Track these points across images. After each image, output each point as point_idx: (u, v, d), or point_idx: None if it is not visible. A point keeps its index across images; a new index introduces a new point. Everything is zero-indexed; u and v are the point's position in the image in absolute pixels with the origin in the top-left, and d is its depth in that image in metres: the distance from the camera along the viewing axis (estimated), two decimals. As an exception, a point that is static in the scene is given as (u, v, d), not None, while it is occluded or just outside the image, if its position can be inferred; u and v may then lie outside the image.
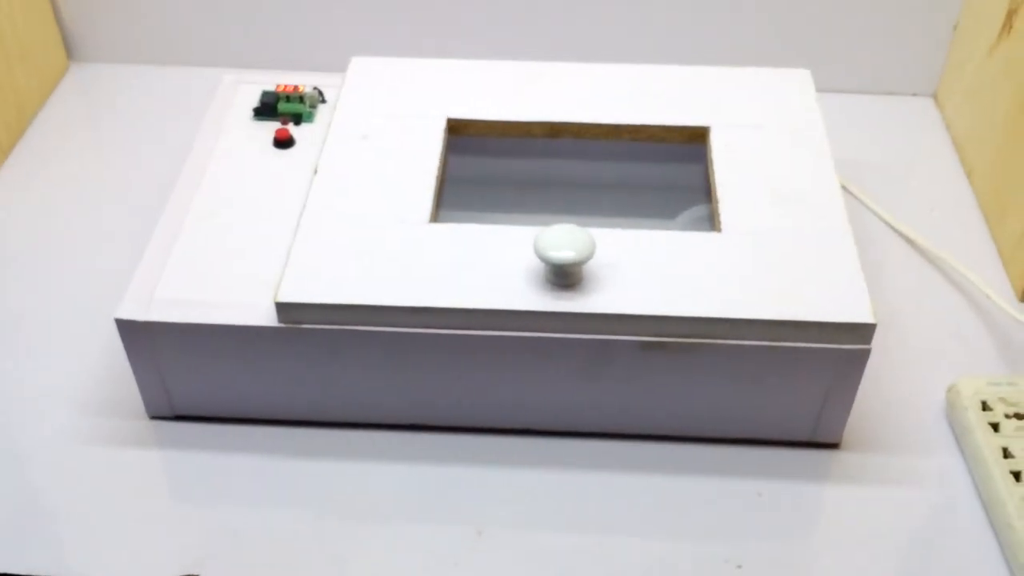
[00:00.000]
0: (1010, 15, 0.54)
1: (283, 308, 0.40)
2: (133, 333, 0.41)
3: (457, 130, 0.50)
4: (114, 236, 0.54)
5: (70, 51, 0.67)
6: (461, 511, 0.41)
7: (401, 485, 0.42)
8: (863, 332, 0.39)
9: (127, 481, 0.42)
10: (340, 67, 0.64)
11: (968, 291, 0.51)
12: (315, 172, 0.47)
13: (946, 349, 0.48)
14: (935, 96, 0.65)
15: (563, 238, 0.40)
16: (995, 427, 0.42)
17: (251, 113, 0.52)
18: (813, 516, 0.41)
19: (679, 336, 0.40)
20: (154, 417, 0.45)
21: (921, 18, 0.62)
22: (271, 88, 0.53)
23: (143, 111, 0.63)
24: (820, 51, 0.64)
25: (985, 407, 0.42)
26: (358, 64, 0.53)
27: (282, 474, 0.43)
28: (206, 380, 0.43)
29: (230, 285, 0.42)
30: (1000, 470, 0.40)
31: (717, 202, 0.45)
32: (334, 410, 0.44)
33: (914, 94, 0.66)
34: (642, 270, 0.41)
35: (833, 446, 0.43)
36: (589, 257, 0.39)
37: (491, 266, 0.41)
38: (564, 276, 0.40)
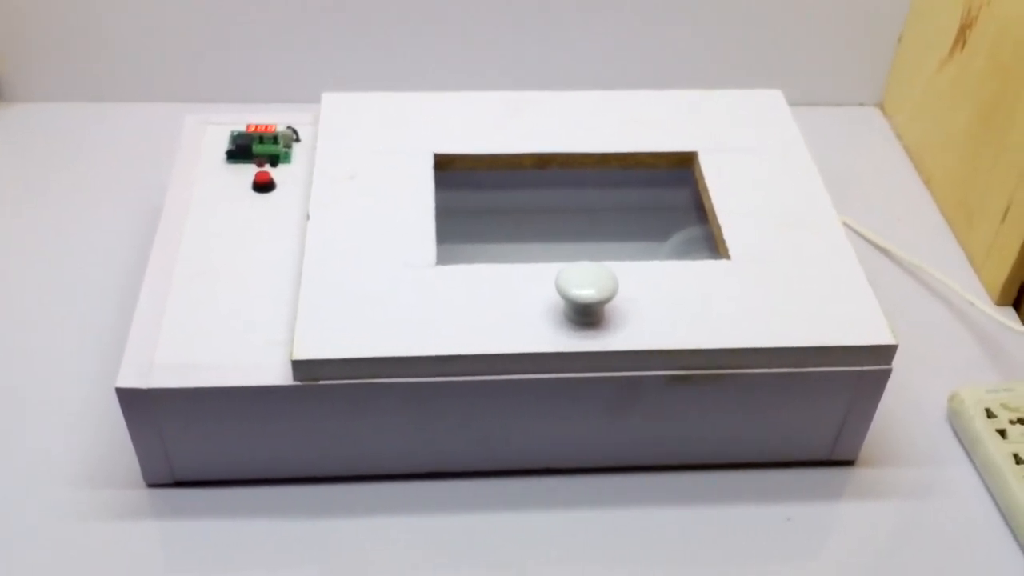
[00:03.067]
0: (963, 29, 0.57)
1: (299, 365, 0.38)
2: (134, 401, 0.39)
3: (444, 165, 0.49)
4: (80, 293, 0.51)
5: (-3, 91, 0.63)
6: (498, 556, 0.40)
7: (430, 536, 0.41)
8: (885, 353, 0.40)
9: (128, 554, 0.40)
10: (292, 97, 0.63)
11: (947, 297, 0.53)
12: (308, 218, 0.45)
13: (936, 356, 0.49)
14: (881, 106, 0.67)
15: (585, 276, 0.39)
16: (1002, 434, 0.43)
17: (223, 156, 0.50)
18: (842, 534, 0.42)
19: (706, 368, 0.40)
20: (152, 485, 0.42)
21: (864, 29, 0.64)
22: (239, 128, 0.51)
23: (82, 152, 0.59)
24: (765, 64, 0.65)
25: (989, 414, 0.44)
26: (330, 100, 0.52)
27: (296, 535, 0.41)
28: (210, 444, 0.41)
29: (232, 344, 0.40)
30: (1015, 477, 0.41)
31: (720, 228, 0.45)
32: (350, 464, 0.42)
33: (860, 104, 0.68)
34: (661, 303, 0.41)
35: (849, 463, 0.44)
36: (612, 295, 0.39)
37: (509, 308, 0.41)
38: (587, 314, 0.40)
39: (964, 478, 0.44)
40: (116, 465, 0.43)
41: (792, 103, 0.53)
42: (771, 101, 0.53)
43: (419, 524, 0.41)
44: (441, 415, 0.40)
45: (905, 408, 0.47)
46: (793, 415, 0.42)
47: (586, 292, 0.39)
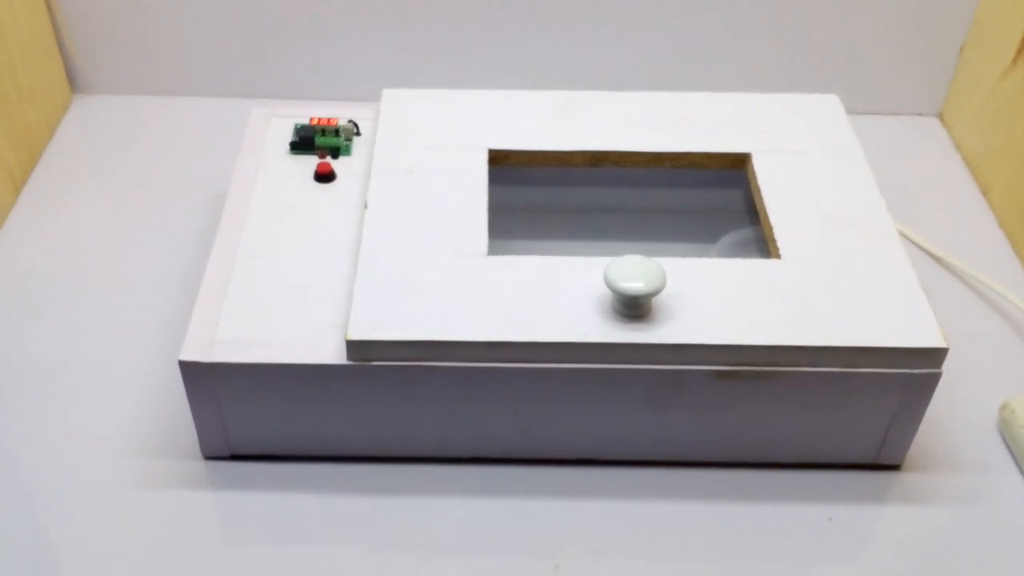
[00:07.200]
0: (1026, 39, 0.56)
1: (353, 346, 0.40)
2: (196, 375, 0.41)
3: (498, 160, 0.50)
4: (147, 274, 0.53)
5: (73, 83, 0.66)
6: (536, 544, 0.41)
7: (472, 519, 0.42)
8: (935, 356, 0.40)
9: (184, 523, 0.41)
10: (356, 96, 0.64)
11: (1002, 307, 0.52)
12: (365, 207, 0.46)
13: (989, 365, 0.49)
14: (941, 116, 0.67)
15: (633, 269, 0.40)
16: (1054, 444, 0.43)
17: (287, 147, 0.51)
18: (883, 539, 0.42)
19: (753, 365, 0.40)
20: (209, 457, 0.44)
21: (926, 39, 0.64)
22: (303, 121, 0.53)
23: (153, 143, 0.62)
24: (825, 72, 0.65)
25: (1041, 424, 0.43)
26: (391, 96, 0.53)
27: (344, 511, 0.42)
28: (266, 419, 0.42)
29: (291, 324, 0.42)
30: (1065, 486, 0.41)
31: (771, 228, 0.45)
32: (400, 445, 0.43)
33: (920, 114, 0.67)
34: (709, 299, 0.41)
35: (895, 468, 0.44)
36: (660, 288, 0.40)
37: (558, 298, 0.41)
38: (634, 307, 0.40)
39: (1012, 488, 0.43)
40: (176, 437, 0.44)
41: (851, 111, 0.53)
42: (828, 105, 0.53)
43: (461, 506, 0.42)
44: (488, 400, 0.41)
45: (955, 416, 0.46)
46: (840, 416, 0.42)
47: (634, 285, 0.39)
